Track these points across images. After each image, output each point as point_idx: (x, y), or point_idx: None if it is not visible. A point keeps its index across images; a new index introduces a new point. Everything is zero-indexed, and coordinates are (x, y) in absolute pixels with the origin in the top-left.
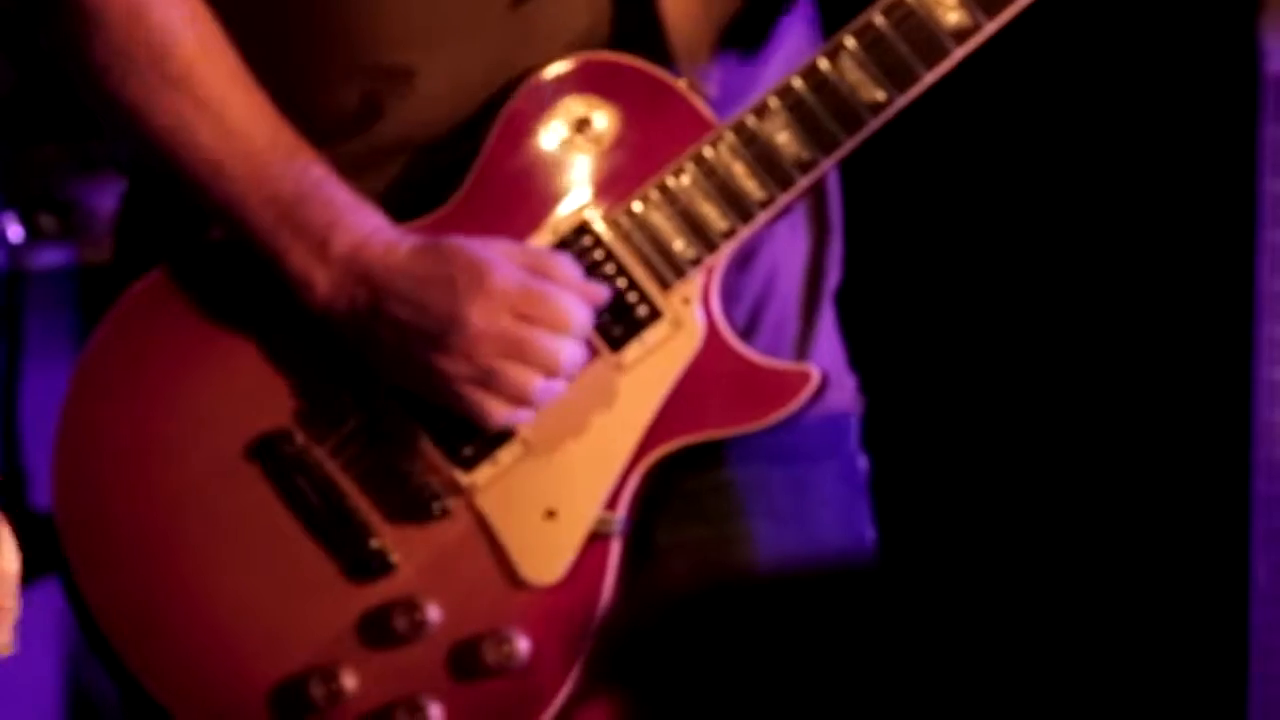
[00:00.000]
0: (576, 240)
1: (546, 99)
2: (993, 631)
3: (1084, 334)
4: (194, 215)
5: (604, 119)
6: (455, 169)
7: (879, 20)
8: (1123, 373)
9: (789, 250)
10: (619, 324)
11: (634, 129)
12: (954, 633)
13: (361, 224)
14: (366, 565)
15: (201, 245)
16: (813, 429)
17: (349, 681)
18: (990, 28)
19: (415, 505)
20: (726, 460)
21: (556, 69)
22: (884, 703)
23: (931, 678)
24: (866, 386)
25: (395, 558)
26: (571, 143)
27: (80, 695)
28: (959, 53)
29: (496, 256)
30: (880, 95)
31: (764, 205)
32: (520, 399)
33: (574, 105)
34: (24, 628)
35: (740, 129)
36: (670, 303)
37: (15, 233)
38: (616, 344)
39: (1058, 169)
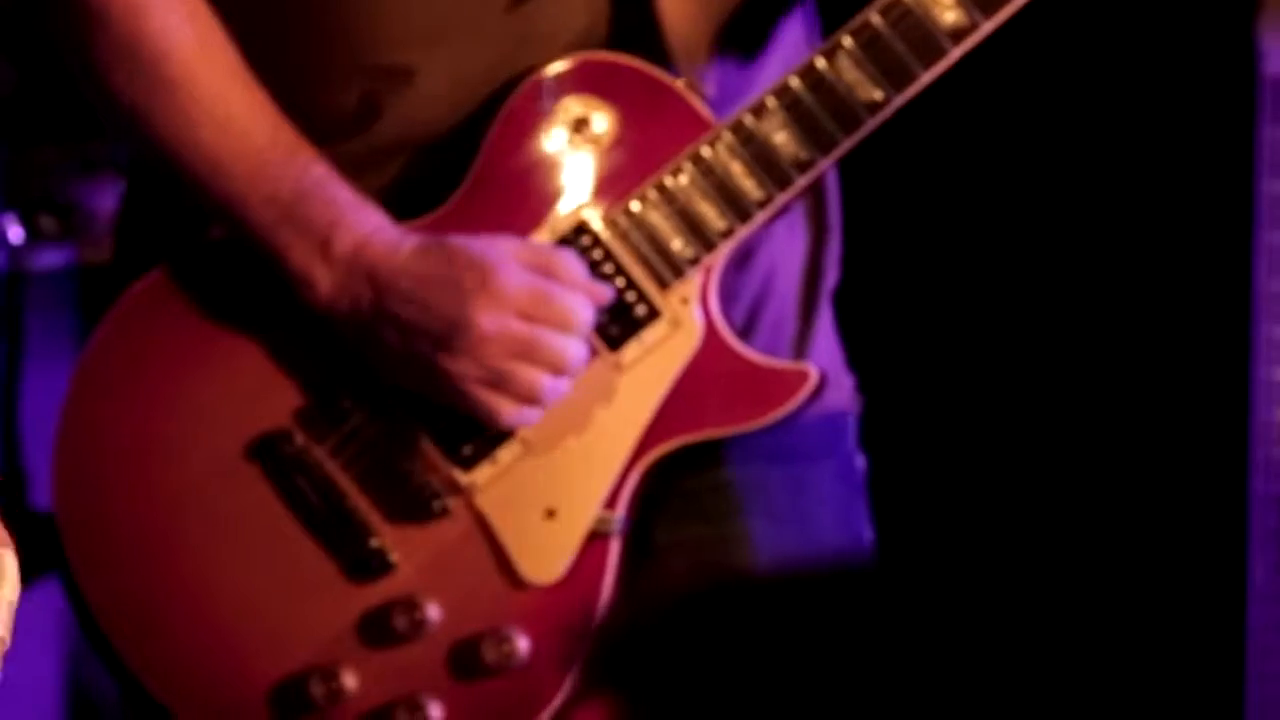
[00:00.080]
0: (575, 240)
1: (545, 99)
2: (991, 631)
3: (1082, 334)
4: (194, 215)
5: (602, 119)
6: (454, 169)
7: (876, 20)
8: (1121, 373)
9: (787, 250)
10: (617, 323)
11: (632, 129)
12: (952, 632)
13: (364, 223)
14: (366, 564)
15: (201, 245)
16: (811, 428)
17: (349, 681)
18: (987, 27)
19: (415, 505)
20: (725, 460)
21: (555, 69)
22: (882, 702)
23: (930, 677)
24: (864, 386)
25: (395, 557)
26: (570, 142)
27: (81, 695)
28: (956, 52)
29: (501, 256)
30: (878, 95)
31: (762, 205)
32: (529, 398)
33: (572, 105)
34: (24, 628)
35: (738, 128)
36: (668, 302)
37: (15, 234)
38: (615, 343)
39: (1056, 170)
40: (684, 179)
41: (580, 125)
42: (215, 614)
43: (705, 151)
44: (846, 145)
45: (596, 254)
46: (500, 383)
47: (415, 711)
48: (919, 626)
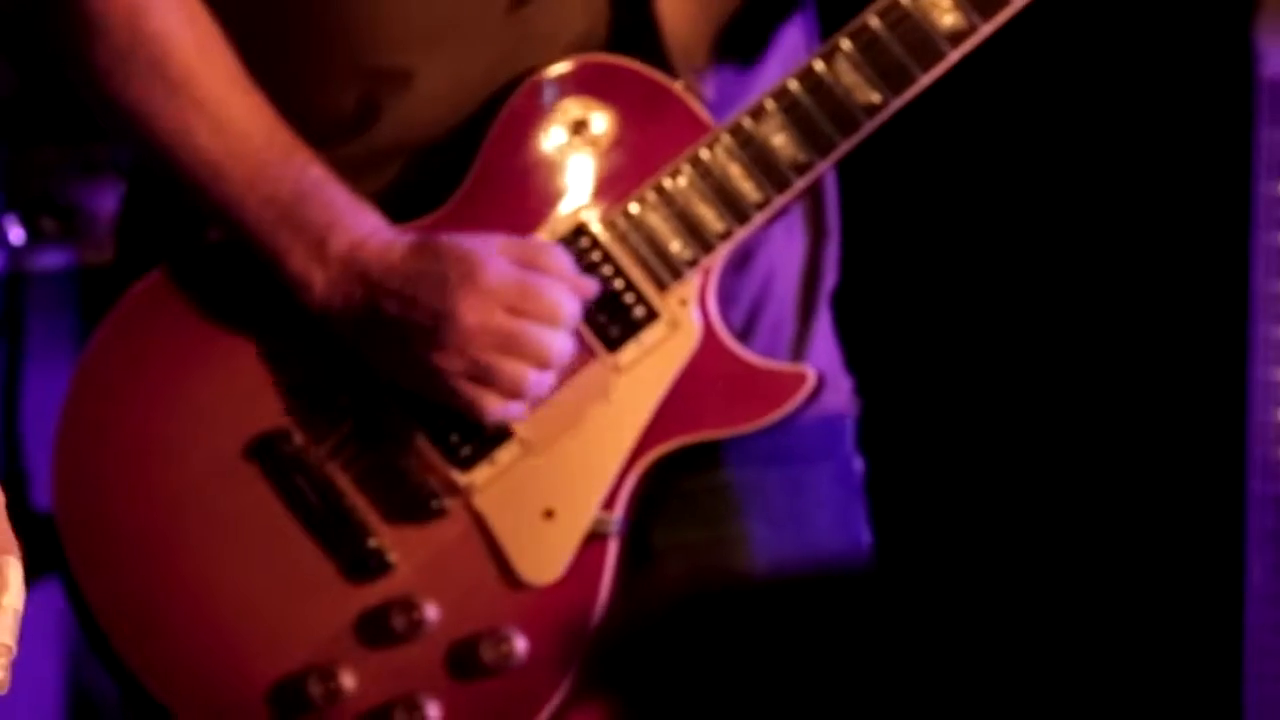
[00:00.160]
0: (574, 242)
1: (544, 101)
2: (989, 632)
3: (1080, 335)
4: (194, 217)
5: (601, 121)
6: (453, 171)
7: (874, 22)
8: (1120, 373)
9: (786, 252)
10: (616, 325)
11: (631, 131)
12: (951, 634)
13: (360, 224)
14: (365, 564)
15: (201, 246)
16: (809, 430)
17: (347, 680)
18: (985, 30)
19: (413, 505)
20: (723, 461)
21: (554, 71)
22: (880, 705)
23: (928, 679)
24: (863, 388)
25: (393, 557)
26: (569, 144)
27: (81, 695)
28: (954, 55)
29: (488, 251)
30: (876, 97)
31: (760, 207)
32: (514, 391)
33: (572, 107)
34: (24, 628)
35: (737, 131)
36: (667, 304)
37: (16, 235)
38: (613, 345)
39: (1054, 172)
40: (683, 181)
41: (579, 127)
42: (214, 614)
43: (704, 154)
44: (845, 148)
45: (595, 255)
46: (485, 376)
47: (413, 711)
48: (917, 629)
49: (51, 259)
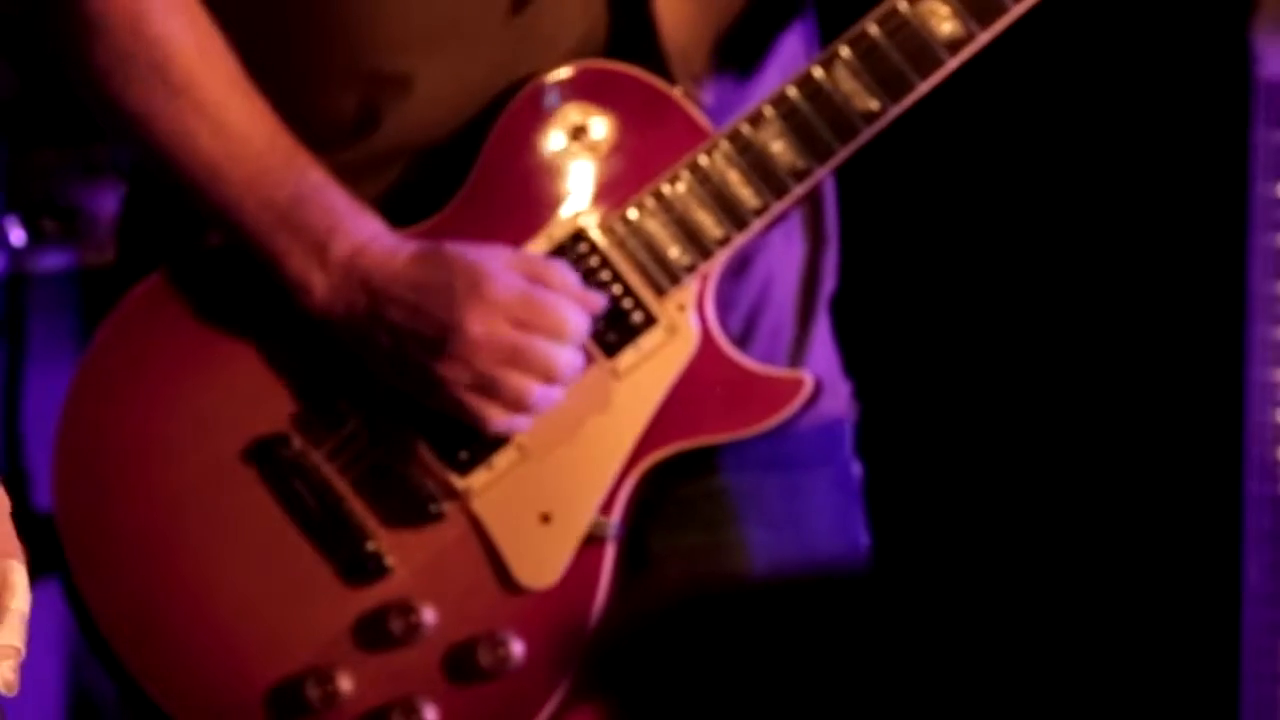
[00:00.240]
0: (572, 247)
1: (544, 106)
2: (987, 634)
3: (1078, 337)
4: (194, 219)
5: (601, 126)
6: (453, 175)
7: (874, 30)
8: (1117, 374)
9: (784, 258)
10: (614, 330)
11: (630, 137)
12: (949, 636)
13: (361, 229)
14: (362, 568)
15: (201, 250)
16: (807, 436)
17: (345, 683)
18: (984, 38)
19: (411, 509)
20: (721, 466)
21: (554, 76)
22: (879, 707)
23: (927, 681)
24: (861, 393)
25: (391, 561)
26: (568, 150)
27: (82, 696)
28: (953, 63)
29: (495, 264)
30: (874, 104)
31: (759, 213)
32: (519, 405)
33: (571, 113)
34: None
35: (735, 137)
36: (665, 309)
37: (18, 236)
38: (611, 350)
39: (1052, 174)
40: (681, 187)
41: (578, 132)
42: (213, 616)
43: (703, 160)
44: (843, 155)
45: (593, 261)
46: (490, 389)
47: (410, 714)
48: (915, 632)
49: (52, 260)
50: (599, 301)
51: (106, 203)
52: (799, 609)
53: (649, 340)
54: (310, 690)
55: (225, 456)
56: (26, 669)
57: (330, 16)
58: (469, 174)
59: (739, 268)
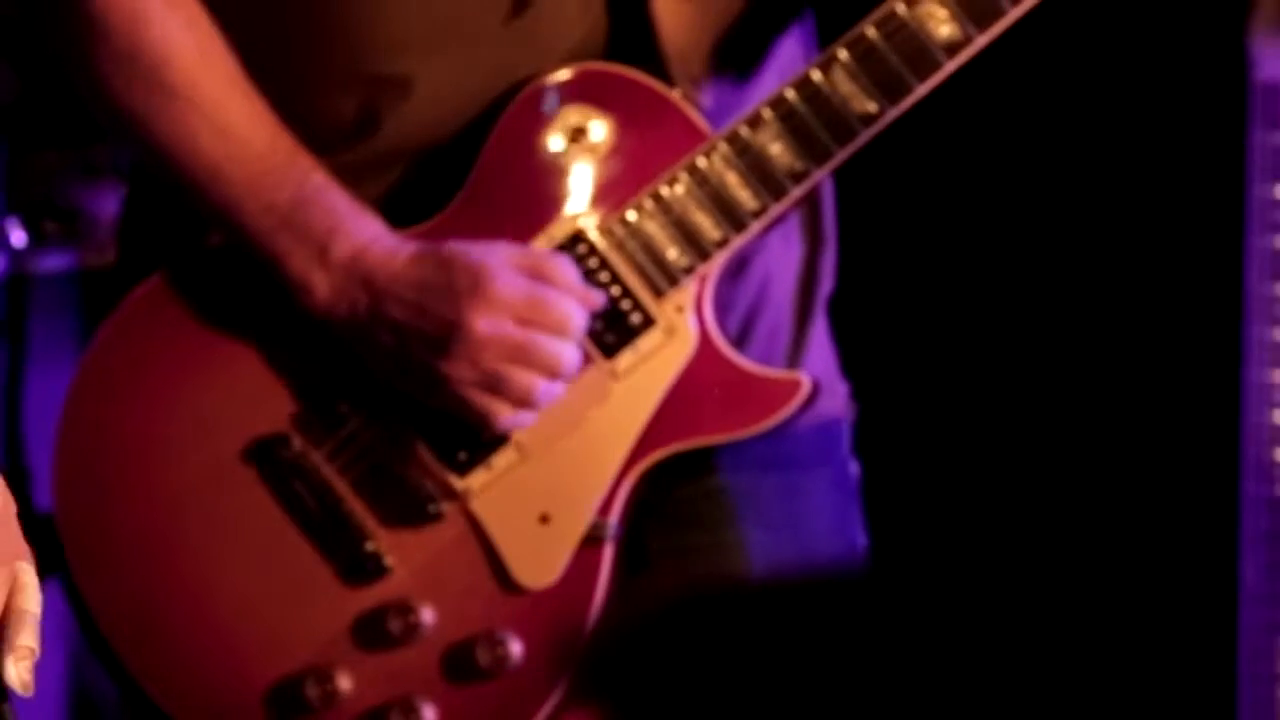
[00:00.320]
0: (571, 248)
1: (543, 108)
2: (984, 634)
3: (1075, 337)
4: (195, 220)
5: (600, 128)
6: (452, 177)
7: (871, 33)
8: (1114, 375)
9: (782, 259)
10: (612, 331)
11: (629, 139)
12: (946, 636)
13: (362, 230)
14: (362, 568)
15: (201, 250)
16: (805, 436)
17: (344, 683)
18: (982, 41)
19: (410, 509)
20: (719, 467)
21: (553, 78)
22: (877, 707)
23: (925, 682)
24: (858, 393)
25: (390, 561)
26: (567, 152)
27: (82, 695)
28: (950, 65)
29: (497, 261)
30: (872, 107)
31: (757, 215)
32: (524, 401)
33: (570, 114)
34: None
35: (734, 139)
36: (663, 310)
37: (19, 238)
38: (610, 351)
39: (1049, 176)
40: (680, 189)
41: (577, 134)
42: (213, 616)
43: (701, 162)
44: (841, 157)
45: (592, 262)
46: (495, 386)
47: (409, 714)
48: (913, 631)
49: (53, 261)
50: (599, 298)
51: (107, 204)
52: (797, 609)
53: (647, 341)
54: (309, 689)
55: (225, 457)
56: None
57: (330, 19)
58: (468, 176)
59: (737, 269)
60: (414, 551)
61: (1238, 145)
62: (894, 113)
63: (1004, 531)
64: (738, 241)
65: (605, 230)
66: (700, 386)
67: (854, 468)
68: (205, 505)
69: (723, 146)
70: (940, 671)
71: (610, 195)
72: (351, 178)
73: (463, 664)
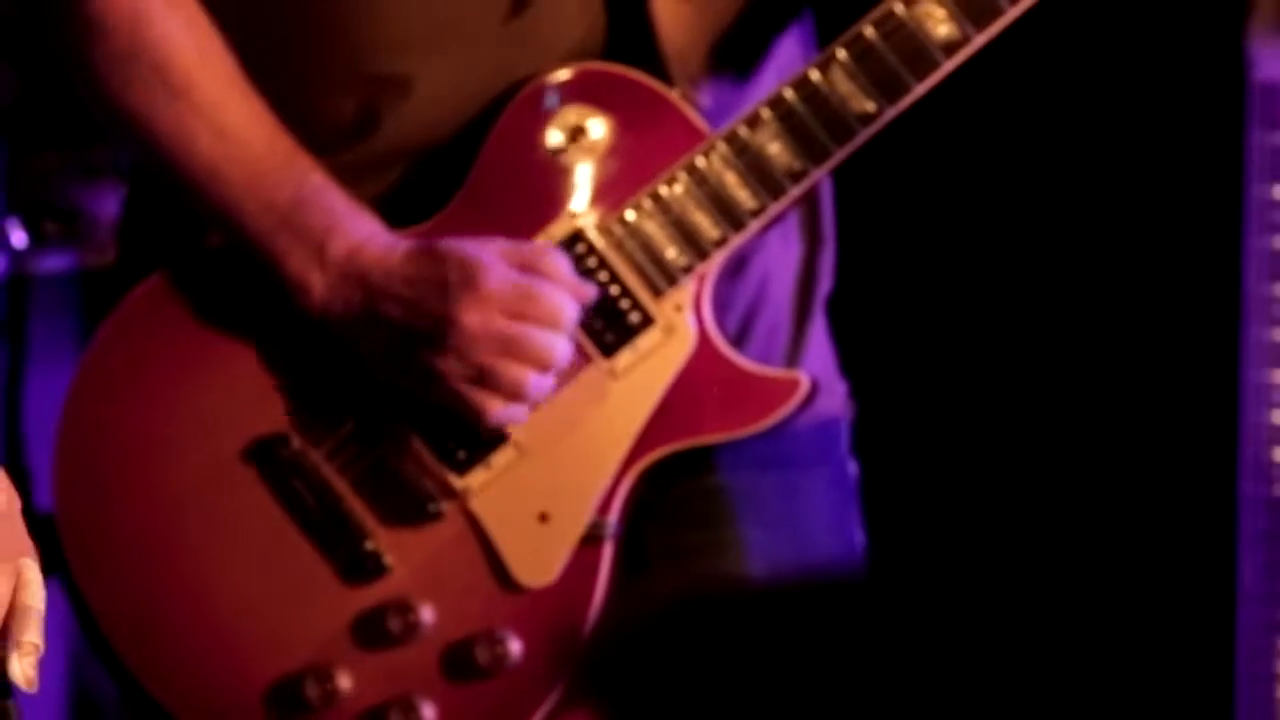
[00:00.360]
0: (570, 248)
1: (542, 108)
2: (982, 633)
3: (1073, 337)
4: (194, 220)
5: (599, 128)
6: (452, 177)
7: (870, 32)
8: (1113, 375)
9: (781, 258)
10: (611, 330)
11: (628, 138)
12: (944, 635)
13: (358, 229)
14: (361, 567)
15: (201, 250)
16: (803, 435)
17: (344, 682)
18: (980, 40)
19: (409, 508)
20: (717, 466)
21: (553, 78)
22: (875, 707)
23: (922, 681)
24: (857, 392)
25: (389, 560)
26: (566, 151)
27: (83, 695)
28: (948, 65)
29: (488, 256)
30: (870, 106)
31: (755, 214)
32: (515, 395)
33: (570, 114)
34: None
35: (732, 139)
36: (662, 309)
37: (19, 238)
38: (609, 350)
39: (1048, 176)
40: (678, 188)
41: (577, 134)
42: (213, 615)
43: (700, 161)
44: (839, 156)
45: (591, 262)
46: (486, 379)
47: (409, 712)
48: (911, 630)
49: (53, 262)
50: (590, 291)
51: (107, 205)
52: (795, 607)
53: (646, 340)
54: (309, 688)
55: (225, 456)
56: None
57: (330, 19)
58: (468, 175)
59: (736, 268)
60: (413, 550)
61: (1236, 146)
62: (892, 112)
63: (1002, 531)
64: (736, 241)
65: (604, 229)
66: (699, 385)
67: (852, 467)
68: (205, 504)
69: (721, 146)
70: (939, 670)
71: (609, 195)
72: (351, 178)
73: (462, 663)
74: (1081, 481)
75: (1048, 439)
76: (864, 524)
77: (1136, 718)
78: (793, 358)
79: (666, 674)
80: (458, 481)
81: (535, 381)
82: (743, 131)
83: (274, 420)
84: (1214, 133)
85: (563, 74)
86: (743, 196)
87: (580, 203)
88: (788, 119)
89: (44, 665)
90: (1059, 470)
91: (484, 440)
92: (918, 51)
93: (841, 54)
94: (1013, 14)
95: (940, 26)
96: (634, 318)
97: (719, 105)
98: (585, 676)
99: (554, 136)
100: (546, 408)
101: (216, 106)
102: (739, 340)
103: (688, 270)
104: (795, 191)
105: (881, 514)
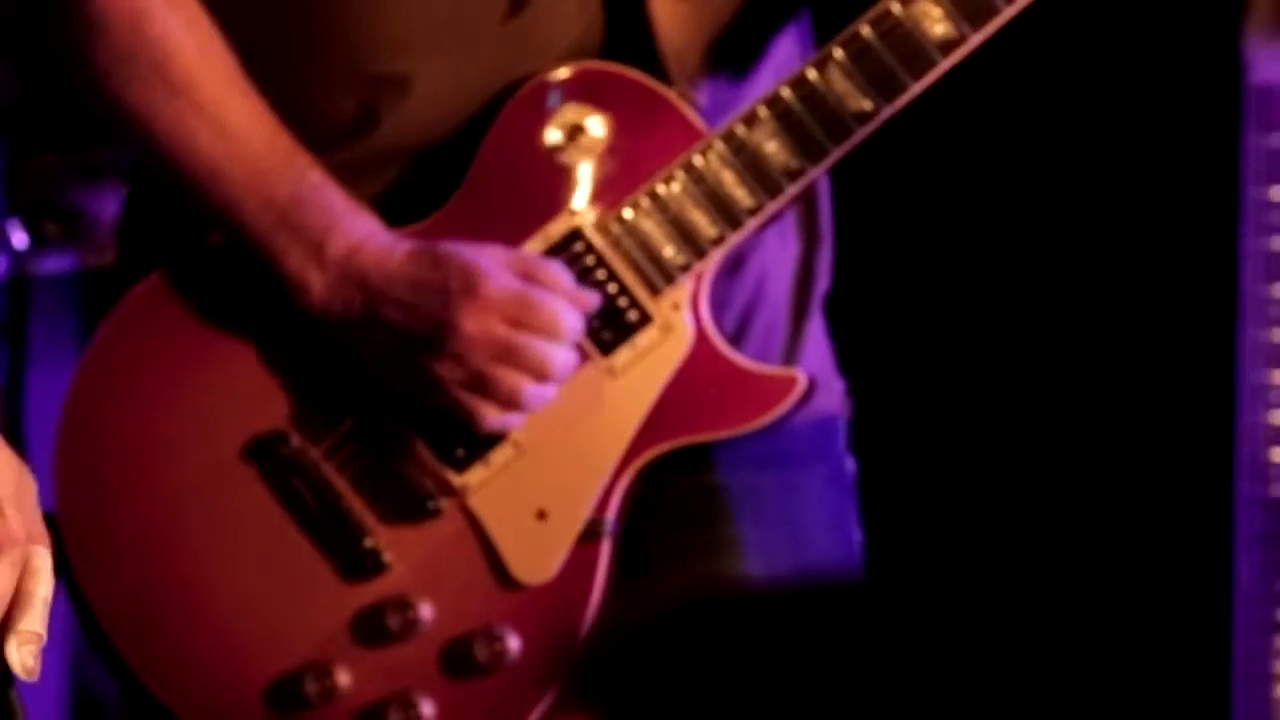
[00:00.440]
0: (568, 246)
1: (541, 106)
2: (979, 633)
3: (1070, 338)
4: (194, 219)
5: (597, 127)
6: (450, 175)
7: (866, 31)
8: (1110, 376)
9: (778, 257)
10: (609, 329)
11: (626, 137)
12: (941, 633)
13: (357, 228)
14: (360, 564)
15: (200, 249)
16: (801, 433)
17: (343, 678)
18: (976, 40)
19: (408, 506)
20: (715, 464)
21: (551, 77)
22: (874, 706)
23: (919, 680)
24: (854, 390)
25: (388, 557)
26: (564, 150)
27: (83, 693)
28: (945, 64)
29: (490, 262)
30: (867, 105)
31: (752, 213)
32: (512, 403)
33: (568, 113)
34: None
35: (730, 138)
36: (660, 308)
37: (20, 239)
38: (607, 348)
39: (1045, 177)
40: (676, 187)
41: (575, 133)
42: (213, 613)
43: (697, 160)
44: (836, 155)
45: (589, 260)
46: (483, 386)
47: (408, 709)
48: (908, 629)
49: (54, 263)
50: (593, 300)
51: (108, 206)
52: (792, 604)
53: (644, 338)
54: (309, 685)
55: (224, 454)
56: None
57: (329, 18)
58: (466, 174)
59: (733, 266)
60: (412, 548)
61: (1232, 148)
62: (889, 111)
63: (999, 530)
64: (734, 239)
65: (602, 228)
66: (697, 383)
67: (850, 464)
68: (204, 503)
69: (719, 145)
70: (935, 669)
71: (607, 193)
72: (350, 176)
73: (461, 659)
74: (1079, 481)
75: (1045, 438)
76: (862, 521)
77: (1133, 717)
78: (790, 356)
79: (664, 672)
80: (456, 479)
81: (533, 391)
82: (740, 130)
83: (273, 418)
84: (1210, 135)
85: (561, 73)
86: (740, 195)
87: (578, 201)
88: (785, 118)
89: (44, 664)
90: (1056, 469)
91: (482, 438)
92: (914, 51)
93: (838, 53)
94: (1009, 13)
95: (937, 26)
96: (632, 316)
97: (716, 104)
98: (583, 674)
99: (552, 135)
100: (545, 406)
101: (217, 105)
102: (736, 338)
103: (685, 269)
104: (792, 190)
105: (879, 512)
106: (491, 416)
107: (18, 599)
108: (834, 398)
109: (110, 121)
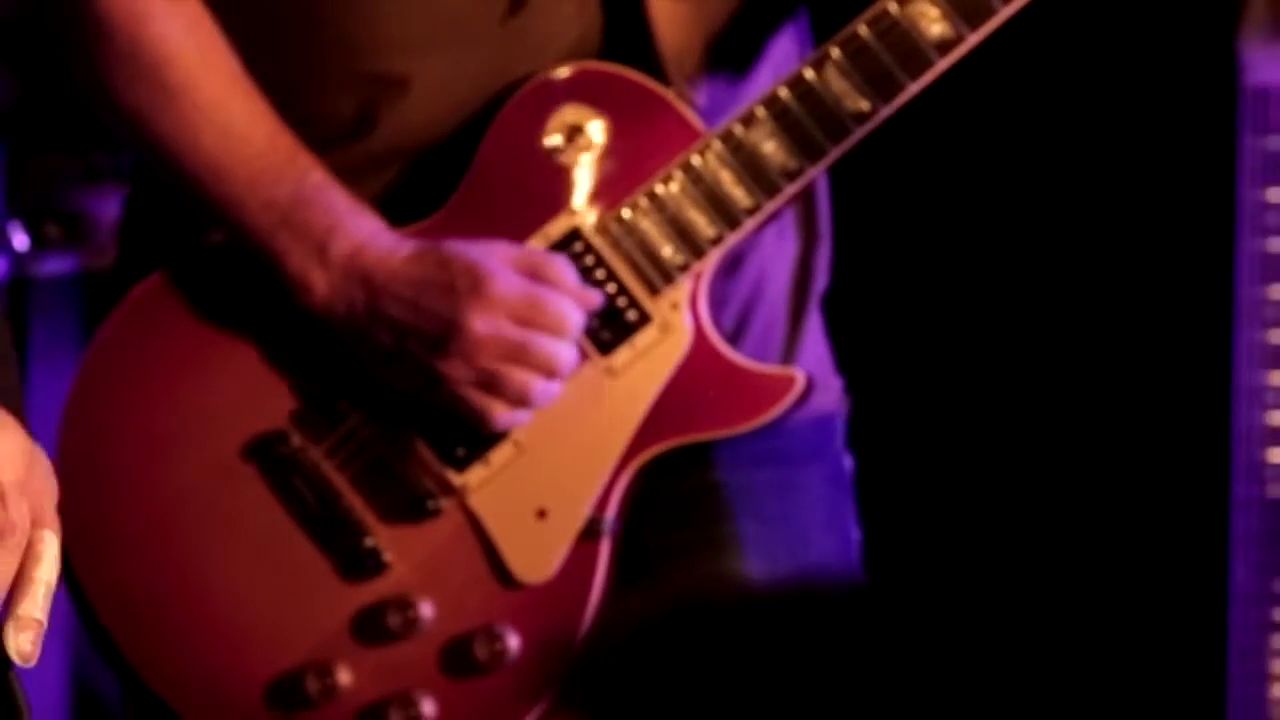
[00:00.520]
0: (567, 246)
1: (540, 107)
2: (976, 632)
3: (1068, 338)
4: (195, 220)
5: (596, 127)
6: (450, 175)
7: (864, 31)
8: (1106, 376)
9: (777, 256)
10: (608, 328)
11: (625, 137)
12: (938, 633)
13: (360, 228)
14: (360, 564)
15: (201, 249)
16: (799, 431)
17: (344, 677)
18: (973, 40)
19: (409, 505)
20: (714, 462)
21: (550, 77)
22: (872, 705)
23: (916, 678)
24: (852, 388)
25: (389, 556)
26: (563, 150)
27: (85, 691)
28: (942, 64)
29: (495, 262)
30: (864, 105)
31: (751, 212)
32: (521, 400)
33: (567, 113)
34: None
35: (728, 138)
36: (659, 307)
37: (20, 241)
38: (606, 348)
39: (1041, 178)
40: (675, 187)
41: (574, 133)
42: (214, 611)
43: (695, 160)
44: (834, 154)
45: (588, 260)
46: (492, 385)
47: (408, 708)
48: (906, 628)
49: (55, 265)
50: (596, 298)
51: (108, 207)
52: (791, 602)
53: (643, 338)
54: (309, 684)
55: (225, 454)
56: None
57: (328, 19)
58: (465, 174)
59: (732, 266)
60: (413, 547)
61: (1228, 149)
62: (886, 111)
63: (997, 530)
64: (732, 239)
65: (601, 228)
66: (695, 382)
67: (848, 463)
68: (205, 502)
69: (717, 144)
70: (933, 668)
71: (606, 193)
72: (350, 176)
73: (461, 658)
74: (1075, 481)
75: (1042, 439)
76: (860, 519)
77: (1130, 717)
78: (788, 354)
79: (664, 670)
80: (456, 478)
81: (541, 388)
82: (738, 130)
83: (273, 417)
84: (1206, 136)
85: (560, 73)
86: (738, 195)
87: (577, 201)
88: (783, 117)
89: (46, 663)
90: (1053, 469)
91: (482, 438)
92: (912, 51)
93: (836, 53)
94: (1005, 13)
95: (934, 26)
96: (631, 316)
97: (715, 104)
98: (583, 672)
99: (551, 135)
100: (545, 406)
101: (218, 104)
102: (735, 337)
103: (684, 268)
104: (790, 190)
105: (877, 510)
106: (500, 414)
107: (17, 583)
108: (832, 396)
109: (113, 122)
